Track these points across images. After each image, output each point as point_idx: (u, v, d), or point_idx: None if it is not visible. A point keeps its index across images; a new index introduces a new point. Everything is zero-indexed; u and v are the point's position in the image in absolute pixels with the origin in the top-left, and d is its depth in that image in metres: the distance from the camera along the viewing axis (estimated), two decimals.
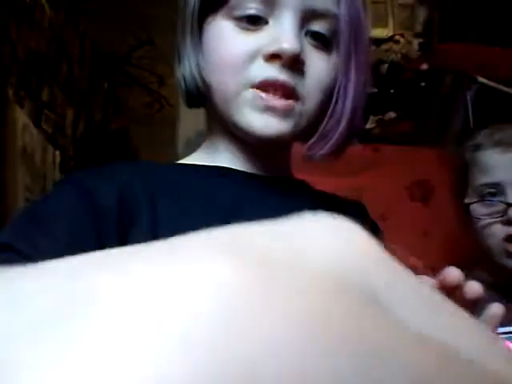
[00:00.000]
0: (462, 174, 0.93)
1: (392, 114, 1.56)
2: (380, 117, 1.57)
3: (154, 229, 0.47)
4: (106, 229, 0.46)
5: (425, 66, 1.64)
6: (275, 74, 0.49)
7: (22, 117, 1.87)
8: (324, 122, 0.53)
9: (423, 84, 1.62)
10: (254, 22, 0.50)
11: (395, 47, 1.75)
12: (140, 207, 0.48)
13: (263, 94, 0.49)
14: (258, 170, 0.56)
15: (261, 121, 0.50)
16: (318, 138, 0.53)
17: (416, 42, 1.87)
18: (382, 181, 1.31)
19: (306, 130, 0.54)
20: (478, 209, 0.87)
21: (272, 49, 0.49)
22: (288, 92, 0.50)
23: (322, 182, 1.30)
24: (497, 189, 0.86)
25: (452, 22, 1.62)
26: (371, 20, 2.15)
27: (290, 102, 0.50)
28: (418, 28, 2.09)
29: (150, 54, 3.30)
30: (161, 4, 2.73)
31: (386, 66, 1.74)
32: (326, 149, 0.54)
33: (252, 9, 0.49)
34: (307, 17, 0.50)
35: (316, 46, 0.51)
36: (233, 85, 0.50)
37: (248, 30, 0.50)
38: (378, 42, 1.85)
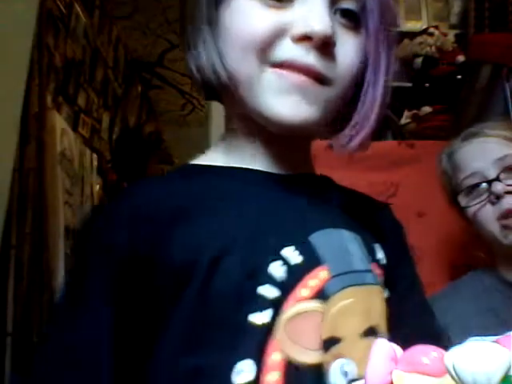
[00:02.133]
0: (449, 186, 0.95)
1: (427, 109, 1.53)
2: (415, 112, 1.53)
3: (195, 245, 0.44)
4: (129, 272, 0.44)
5: (461, 58, 1.60)
6: (303, 56, 0.45)
7: (60, 122, 1.93)
8: (358, 109, 0.48)
9: (459, 77, 1.58)
10: None
11: (429, 40, 1.71)
12: (170, 226, 0.45)
13: (287, 72, 0.45)
14: (282, 169, 0.52)
15: (287, 105, 0.45)
16: (351, 127, 0.49)
17: (451, 34, 1.82)
18: (418, 177, 1.28)
19: (334, 119, 0.49)
20: (465, 199, 0.89)
21: (302, 29, 0.45)
22: (314, 76, 0.45)
23: (356, 178, 1.29)
24: (476, 177, 0.87)
25: (488, 11, 1.57)
26: (404, 13, 2.11)
27: (317, 84, 0.46)
28: (453, 19, 2.03)
29: (181, 56, 3.34)
30: None
31: (421, 59, 1.70)
32: (359, 138, 0.48)
33: None
34: None
35: (346, 26, 0.47)
36: (255, 65, 0.46)
37: (274, 7, 0.45)
38: (411, 35, 1.82)
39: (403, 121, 1.52)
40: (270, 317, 0.42)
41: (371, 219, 0.54)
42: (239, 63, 0.46)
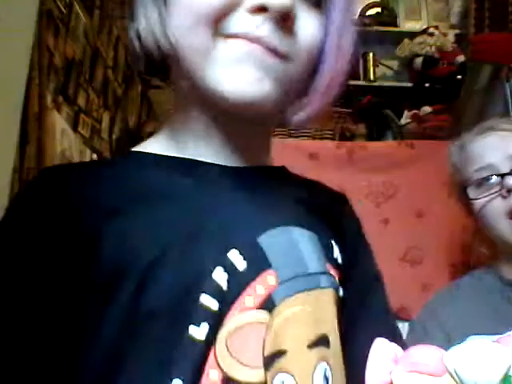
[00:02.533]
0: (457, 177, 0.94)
1: (427, 109, 1.53)
2: (415, 112, 1.53)
3: (122, 247, 0.39)
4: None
5: (461, 58, 1.60)
6: (258, 29, 0.40)
7: (60, 122, 1.93)
8: (313, 86, 0.44)
9: (459, 77, 1.58)
10: None
11: (429, 40, 1.71)
12: (96, 229, 0.39)
13: (239, 41, 0.41)
14: (233, 160, 0.46)
15: (238, 76, 0.40)
16: (303, 101, 0.45)
17: (451, 34, 1.82)
18: (418, 177, 1.29)
19: (289, 99, 0.45)
20: (474, 191, 0.88)
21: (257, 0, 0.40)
22: (269, 48, 0.41)
23: (356, 178, 1.29)
24: (489, 170, 0.87)
25: (488, 11, 1.57)
26: (404, 13, 2.11)
27: (273, 56, 0.41)
28: (453, 19, 2.03)
29: None
30: None
31: (421, 59, 1.70)
32: (309, 110, 0.45)
33: None
34: None
35: (309, 2, 0.43)
36: (206, 36, 0.41)
37: None
38: (411, 35, 1.82)
39: (403, 121, 1.52)
40: (208, 331, 0.37)
41: (329, 213, 0.49)
42: (187, 33, 0.41)
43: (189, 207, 0.42)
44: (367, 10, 2.05)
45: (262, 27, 0.41)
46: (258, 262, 0.41)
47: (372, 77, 1.98)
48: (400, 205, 1.28)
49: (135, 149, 0.48)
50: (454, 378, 0.30)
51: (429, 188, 1.28)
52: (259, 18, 0.41)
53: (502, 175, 0.85)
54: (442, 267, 1.22)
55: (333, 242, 0.47)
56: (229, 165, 0.46)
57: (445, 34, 1.75)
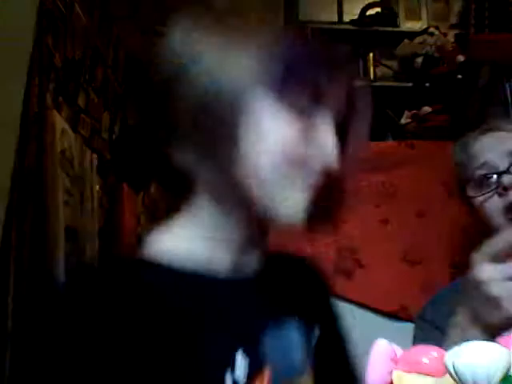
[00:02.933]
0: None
1: (427, 109, 1.53)
2: (415, 111, 1.53)
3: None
4: None
5: (461, 58, 1.60)
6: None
7: (60, 122, 1.93)
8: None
9: (459, 76, 1.58)
10: None
11: (430, 40, 1.71)
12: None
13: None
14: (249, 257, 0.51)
15: (292, 205, 0.47)
16: None
17: (451, 34, 1.82)
18: (418, 177, 1.28)
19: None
20: (474, 189, 0.89)
21: (320, 165, 0.47)
22: None
23: (356, 179, 1.29)
24: (486, 168, 0.88)
25: (488, 11, 1.57)
26: (404, 13, 2.11)
27: None
28: (453, 19, 2.03)
29: None
30: (192, 7, 2.76)
31: (421, 59, 1.70)
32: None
33: None
34: None
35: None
36: (282, 176, 0.46)
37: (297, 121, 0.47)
38: (411, 35, 1.82)
39: (403, 121, 1.52)
40: None
41: (307, 296, 0.56)
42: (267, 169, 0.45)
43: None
44: (367, 9, 2.05)
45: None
46: (259, 362, 0.46)
47: (372, 77, 1.98)
48: (400, 205, 1.28)
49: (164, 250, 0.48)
50: (453, 378, 0.30)
51: (429, 188, 1.28)
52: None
53: (500, 173, 0.86)
54: (441, 267, 1.22)
55: (313, 326, 0.54)
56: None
57: (445, 34, 1.75)
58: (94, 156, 2.32)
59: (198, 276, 0.47)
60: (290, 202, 0.46)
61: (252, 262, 0.50)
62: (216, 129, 0.44)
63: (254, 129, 0.45)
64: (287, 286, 0.54)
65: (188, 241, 0.49)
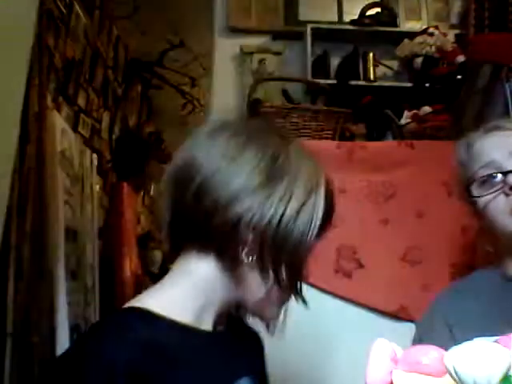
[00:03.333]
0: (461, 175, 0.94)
1: (427, 109, 1.53)
2: (415, 112, 1.53)
3: None
4: None
5: (461, 58, 1.60)
6: None
7: (60, 122, 1.93)
8: None
9: (459, 77, 1.58)
10: None
11: (429, 40, 1.71)
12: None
13: None
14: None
15: None
16: None
17: (451, 34, 1.82)
18: (418, 177, 1.28)
19: None
20: (478, 189, 0.88)
21: None
22: None
23: (356, 178, 1.29)
24: (492, 167, 0.87)
25: (488, 11, 1.57)
26: (404, 13, 2.11)
27: None
28: (453, 19, 2.03)
29: (181, 56, 3.34)
30: (191, 8, 2.76)
31: (421, 59, 1.70)
32: None
33: None
34: None
35: None
36: None
37: None
38: (411, 35, 1.82)
39: (403, 121, 1.52)
40: None
41: (260, 355, 0.71)
42: None
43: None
44: (367, 9, 2.05)
45: None
46: None
47: (372, 77, 1.97)
48: (400, 205, 1.28)
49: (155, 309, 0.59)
50: (453, 379, 0.30)
51: (429, 188, 1.27)
52: None
53: (505, 173, 0.85)
54: (442, 267, 1.22)
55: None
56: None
57: (445, 34, 1.74)
58: (94, 156, 2.33)
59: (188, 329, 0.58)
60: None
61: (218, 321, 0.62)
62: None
63: None
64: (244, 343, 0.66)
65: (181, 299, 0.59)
